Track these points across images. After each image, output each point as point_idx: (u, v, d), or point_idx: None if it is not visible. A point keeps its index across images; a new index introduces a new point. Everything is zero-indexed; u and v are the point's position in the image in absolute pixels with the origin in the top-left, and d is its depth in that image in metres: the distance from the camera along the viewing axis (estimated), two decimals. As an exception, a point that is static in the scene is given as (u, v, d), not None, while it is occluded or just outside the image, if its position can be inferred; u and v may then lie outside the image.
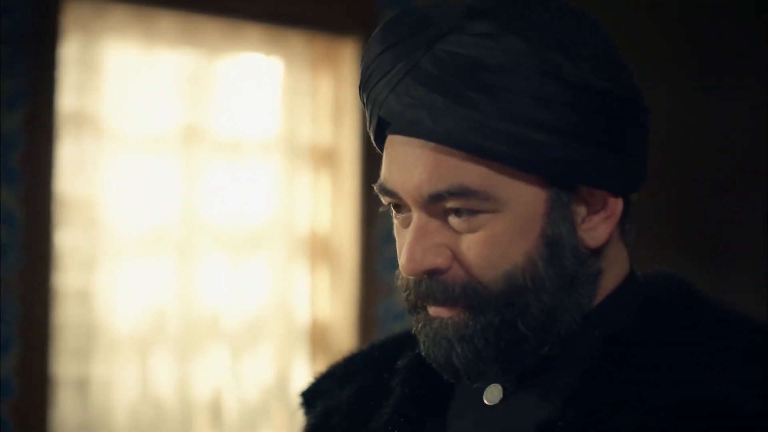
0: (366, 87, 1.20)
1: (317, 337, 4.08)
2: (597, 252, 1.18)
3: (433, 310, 1.17)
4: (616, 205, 1.18)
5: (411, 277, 1.17)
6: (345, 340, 4.02)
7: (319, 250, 4.11)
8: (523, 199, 1.14)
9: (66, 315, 3.64)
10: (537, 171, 1.14)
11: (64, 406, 3.63)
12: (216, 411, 3.88)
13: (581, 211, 1.17)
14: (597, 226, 1.17)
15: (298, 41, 4.07)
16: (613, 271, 1.21)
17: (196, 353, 3.83)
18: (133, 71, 3.76)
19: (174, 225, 3.79)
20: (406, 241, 1.16)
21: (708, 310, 1.19)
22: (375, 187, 1.20)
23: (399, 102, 1.15)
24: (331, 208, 4.11)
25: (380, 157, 1.19)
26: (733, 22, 4.92)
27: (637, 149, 1.19)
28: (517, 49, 1.12)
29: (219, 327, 3.88)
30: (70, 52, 3.64)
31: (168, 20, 3.82)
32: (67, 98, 3.63)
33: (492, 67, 1.12)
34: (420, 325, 1.18)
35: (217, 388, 3.87)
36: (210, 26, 3.90)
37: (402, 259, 1.16)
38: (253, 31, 3.98)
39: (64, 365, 3.63)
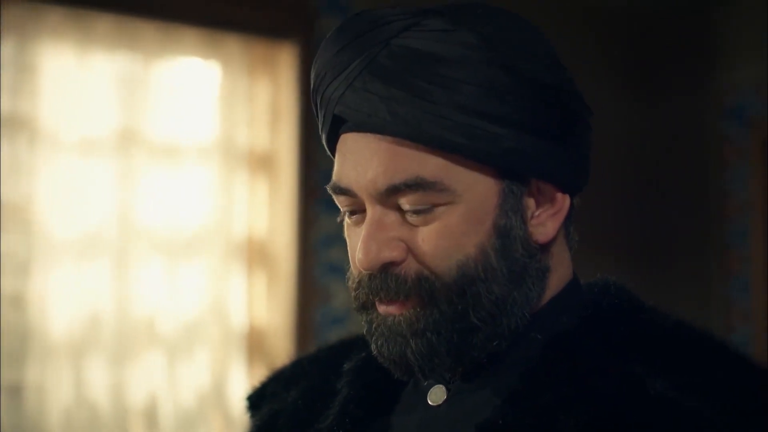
0: (319, 89, 1.21)
1: (254, 342, 4.07)
2: (545, 248, 1.20)
3: (383, 309, 1.18)
4: (564, 201, 1.20)
5: (365, 272, 1.17)
6: (282, 346, 4.01)
7: (256, 255, 4.10)
8: (477, 191, 1.16)
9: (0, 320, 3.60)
10: (492, 162, 1.15)
11: (-2, 414, 3.59)
12: (151, 417, 3.85)
13: (531, 205, 1.19)
14: (546, 222, 1.19)
15: (235, 46, 4.05)
16: (558, 273, 1.23)
17: (132, 358, 3.80)
18: (69, 74, 3.73)
19: (110, 229, 3.76)
20: (362, 236, 1.17)
21: (646, 316, 1.22)
22: (328, 188, 1.21)
23: (356, 97, 1.16)
24: (268, 212, 4.10)
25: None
26: (670, 34, 4.98)
27: (582, 146, 1.21)
28: (471, 42, 1.14)
29: (155, 332, 3.85)
30: (5, 54, 3.61)
31: (104, 23, 3.79)
32: (2, 101, 3.59)
33: (447, 60, 1.14)
34: (374, 325, 1.19)
35: (152, 394, 3.84)
36: (147, 30, 3.87)
37: (358, 254, 1.17)
38: (190, 35, 3.96)
39: (-3, 372, 3.59)
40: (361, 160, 1.17)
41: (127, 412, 3.79)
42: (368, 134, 1.17)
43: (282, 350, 3.96)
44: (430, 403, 1.23)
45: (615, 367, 1.13)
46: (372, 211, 1.17)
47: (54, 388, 3.67)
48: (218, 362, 3.96)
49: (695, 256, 4.90)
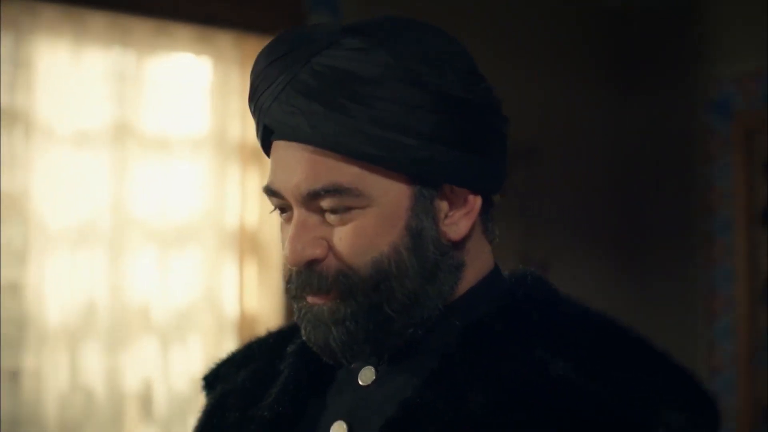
0: (253, 97, 1.31)
1: (245, 328, 4.17)
2: (459, 245, 1.30)
3: (310, 299, 1.29)
4: (476, 201, 1.30)
5: (293, 268, 1.28)
6: (272, 332, 4.10)
7: (247, 244, 4.21)
8: (390, 195, 1.26)
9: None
10: (403, 170, 1.26)
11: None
12: (146, 402, 3.96)
13: (444, 207, 1.29)
14: (459, 221, 1.30)
15: (227, 41, 4.16)
16: (476, 266, 1.33)
17: (126, 345, 3.91)
18: (64, 69, 3.84)
19: (104, 219, 3.87)
20: (289, 236, 1.27)
21: (557, 304, 1.32)
22: (263, 189, 1.32)
23: (281, 110, 1.26)
24: (259, 203, 4.21)
25: None
26: (655, 28, 5.06)
27: (495, 153, 1.31)
28: (385, 61, 1.24)
29: (149, 319, 3.96)
30: (2, 51, 3.72)
31: (98, 20, 3.90)
32: (-1, 95, 3.70)
33: (363, 78, 1.24)
34: (302, 312, 1.30)
35: (146, 379, 3.95)
36: (140, 26, 3.98)
37: (285, 251, 1.28)
38: (183, 32, 4.07)
39: (-7, 359, 3.71)
40: (287, 167, 1.27)
41: (122, 396, 3.90)
42: (293, 143, 1.27)
43: (271, 337, 4.06)
44: (360, 383, 1.34)
45: (522, 352, 1.24)
46: (297, 213, 1.28)
47: (50, 373, 3.78)
48: (211, 348, 4.06)
49: (680, 247, 5.00)
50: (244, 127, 4.21)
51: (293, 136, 1.26)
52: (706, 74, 4.93)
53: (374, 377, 1.33)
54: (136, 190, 3.94)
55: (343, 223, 1.26)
